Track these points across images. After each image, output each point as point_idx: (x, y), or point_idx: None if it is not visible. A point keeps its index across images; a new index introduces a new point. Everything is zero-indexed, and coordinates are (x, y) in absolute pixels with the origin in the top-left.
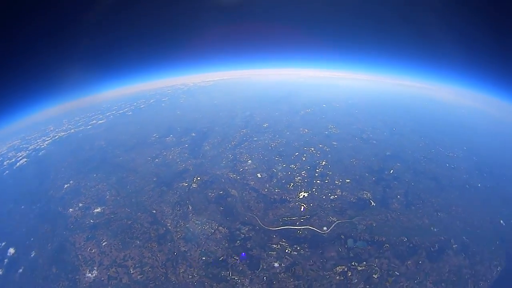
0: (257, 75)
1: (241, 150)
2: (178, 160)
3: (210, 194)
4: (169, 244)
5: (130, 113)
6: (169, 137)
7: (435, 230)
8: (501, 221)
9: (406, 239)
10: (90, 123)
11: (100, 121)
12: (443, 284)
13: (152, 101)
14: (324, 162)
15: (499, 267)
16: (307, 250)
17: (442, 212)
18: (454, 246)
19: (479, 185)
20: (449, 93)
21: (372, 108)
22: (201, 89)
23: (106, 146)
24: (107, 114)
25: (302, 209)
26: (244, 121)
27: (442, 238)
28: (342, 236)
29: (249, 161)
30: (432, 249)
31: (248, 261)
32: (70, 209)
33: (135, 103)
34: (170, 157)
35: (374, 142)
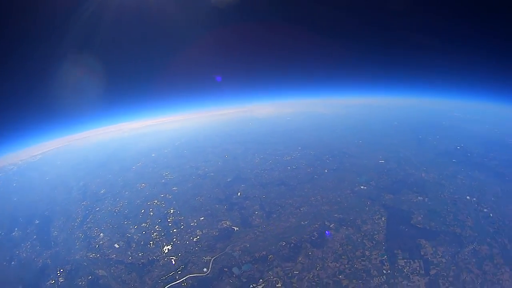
0: (76, 140)
1: (89, 225)
2: (33, 256)
3: (80, 283)
4: None
5: None
6: (14, 232)
7: (306, 223)
8: (362, 186)
9: (284, 243)
10: None
11: None
12: (343, 257)
13: None
14: (172, 210)
15: (383, 218)
16: None
17: (304, 206)
18: (331, 226)
19: (326, 171)
20: (264, 108)
21: (199, 143)
22: (30, 165)
23: None
24: None
25: (173, 263)
26: (81, 192)
27: (316, 225)
28: (225, 269)
29: (101, 234)
30: (313, 238)
31: None
32: None
33: None
34: (24, 255)
35: (212, 174)
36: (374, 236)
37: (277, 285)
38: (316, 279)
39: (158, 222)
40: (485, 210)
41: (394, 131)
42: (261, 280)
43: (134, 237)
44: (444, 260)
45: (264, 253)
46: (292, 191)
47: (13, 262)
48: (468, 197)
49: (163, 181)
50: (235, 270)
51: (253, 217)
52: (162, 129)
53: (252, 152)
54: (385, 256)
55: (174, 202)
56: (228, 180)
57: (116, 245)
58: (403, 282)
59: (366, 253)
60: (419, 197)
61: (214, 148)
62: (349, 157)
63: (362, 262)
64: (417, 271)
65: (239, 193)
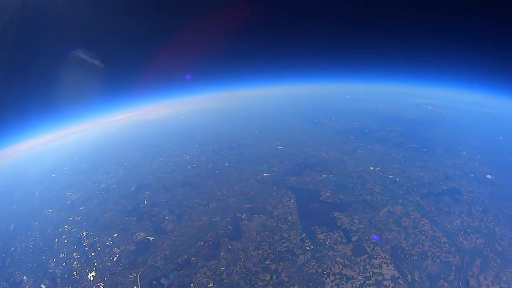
0: None
1: (10, 270)
2: None
3: None
4: None
5: None
6: None
7: (217, 218)
8: (265, 174)
9: (202, 242)
10: None
11: None
12: (263, 244)
13: None
14: (84, 232)
15: (292, 199)
16: None
17: (212, 203)
18: (243, 216)
19: (227, 164)
20: (158, 109)
21: (97, 155)
22: None
23: None
24: None
25: None
26: None
27: (228, 219)
28: (154, 282)
29: (24, 277)
30: (228, 232)
31: None
32: None
33: None
34: None
35: (115, 186)
36: (288, 218)
37: (209, 286)
38: (244, 270)
39: (75, 248)
40: (390, 176)
41: (289, 118)
42: (192, 284)
43: (57, 271)
44: (362, 226)
45: (186, 257)
46: (197, 189)
47: None
48: (371, 168)
49: (68, 202)
50: (164, 281)
51: (165, 223)
52: (57, 145)
53: (151, 156)
54: (304, 234)
55: (84, 223)
56: (132, 189)
57: (43, 286)
58: (329, 254)
59: (285, 235)
60: (323, 175)
61: (112, 157)
62: (248, 148)
63: (284, 244)
64: (339, 241)
65: (145, 201)
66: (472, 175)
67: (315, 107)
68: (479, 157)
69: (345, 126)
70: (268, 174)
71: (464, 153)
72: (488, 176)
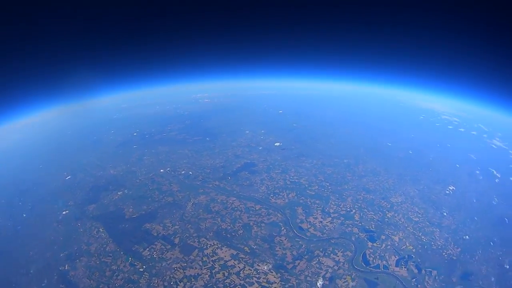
0: None
1: None
2: None
3: None
4: None
5: None
6: None
7: (45, 283)
8: (64, 212)
9: None
10: None
11: None
12: (101, 286)
13: None
14: None
15: (100, 229)
16: None
17: (31, 267)
18: (66, 268)
19: (24, 215)
20: None
21: None
22: None
23: None
24: None
25: None
26: None
27: (56, 277)
28: None
29: None
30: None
31: None
32: None
33: None
34: None
35: None
36: (107, 249)
37: None
38: None
39: None
40: (183, 172)
41: (69, 141)
42: None
43: None
44: (178, 227)
45: None
46: (8, 259)
47: None
48: (162, 170)
49: None
50: None
51: None
52: None
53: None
54: (130, 258)
55: None
56: None
57: None
58: (163, 265)
59: (114, 268)
60: (119, 193)
61: None
62: (37, 186)
63: (119, 277)
64: (165, 249)
65: None
66: (260, 147)
67: (92, 123)
68: (263, 131)
69: (125, 136)
70: (67, 211)
71: (247, 132)
72: (277, 144)
